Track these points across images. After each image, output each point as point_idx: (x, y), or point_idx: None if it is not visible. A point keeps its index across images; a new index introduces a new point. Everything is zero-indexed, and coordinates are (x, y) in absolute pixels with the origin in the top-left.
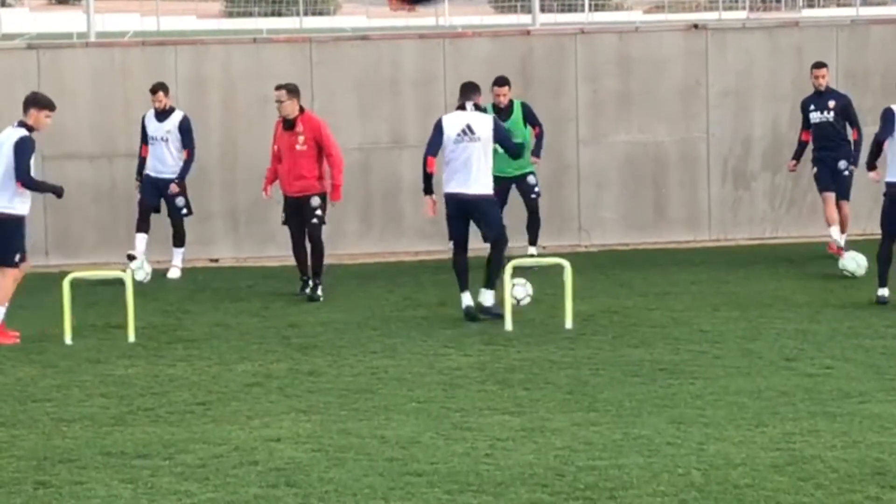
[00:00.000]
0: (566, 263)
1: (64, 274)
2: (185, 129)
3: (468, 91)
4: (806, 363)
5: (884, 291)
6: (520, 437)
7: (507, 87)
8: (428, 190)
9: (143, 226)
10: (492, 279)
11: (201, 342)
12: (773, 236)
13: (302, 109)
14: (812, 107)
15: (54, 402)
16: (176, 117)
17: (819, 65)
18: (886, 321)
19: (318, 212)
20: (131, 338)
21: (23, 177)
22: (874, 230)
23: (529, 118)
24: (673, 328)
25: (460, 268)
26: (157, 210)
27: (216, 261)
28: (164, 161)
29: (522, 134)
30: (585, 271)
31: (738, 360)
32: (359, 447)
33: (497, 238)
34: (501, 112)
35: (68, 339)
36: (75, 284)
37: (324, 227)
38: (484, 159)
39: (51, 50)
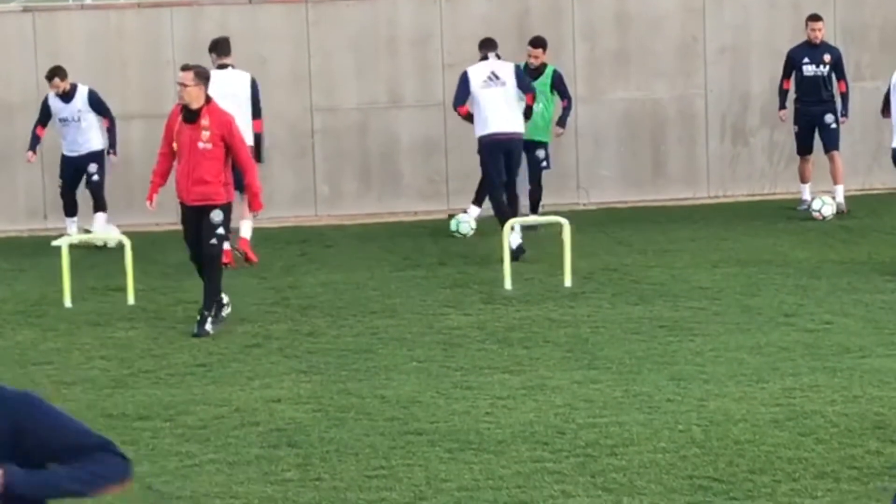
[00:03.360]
0: (565, 221)
1: (62, 237)
2: (95, 101)
3: (488, 45)
4: (805, 319)
5: None
6: (520, 395)
7: (541, 49)
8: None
9: (71, 209)
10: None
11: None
12: (771, 192)
13: (208, 99)
14: (806, 59)
15: (55, 365)
16: (82, 94)
17: (816, 17)
18: (886, 276)
19: (220, 229)
20: (131, 300)
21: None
22: (873, 185)
23: (558, 87)
24: (672, 285)
25: (501, 207)
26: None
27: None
28: (80, 140)
29: (547, 99)
30: (584, 229)
31: (738, 316)
32: (359, 407)
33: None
34: (532, 73)
35: (68, 303)
36: (74, 247)
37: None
38: (514, 101)
39: (46, 13)
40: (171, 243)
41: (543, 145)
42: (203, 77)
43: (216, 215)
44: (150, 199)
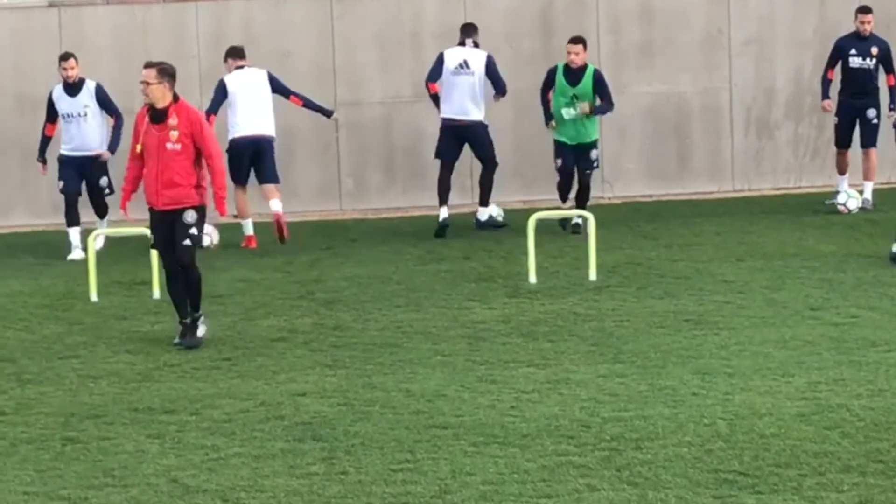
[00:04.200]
0: (589, 215)
1: (89, 231)
2: (103, 97)
3: (466, 30)
4: (831, 312)
5: None
6: (545, 389)
7: (580, 46)
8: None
9: (73, 217)
10: (484, 198)
11: (226, 298)
12: (796, 186)
13: (176, 97)
14: (854, 51)
15: (81, 359)
16: (89, 88)
17: (865, 9)
18: None
19: (193, 230)
20: (156, 294)
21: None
22: None
23: (598, 88)
24: (697, 279)
25: (444, 186)
26: (81, 194)
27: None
28: (87, 138)
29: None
30: (609, 223)
31: (763, 310)
32: (384, 401)
33: (488, 160)
34: (573, 73)
35: (94, 297)
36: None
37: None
38: (479, 90)
39: (72, 7)
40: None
41: (593, 147)
42: (167, 74)
43: (189, 216)
44: (123, 206)
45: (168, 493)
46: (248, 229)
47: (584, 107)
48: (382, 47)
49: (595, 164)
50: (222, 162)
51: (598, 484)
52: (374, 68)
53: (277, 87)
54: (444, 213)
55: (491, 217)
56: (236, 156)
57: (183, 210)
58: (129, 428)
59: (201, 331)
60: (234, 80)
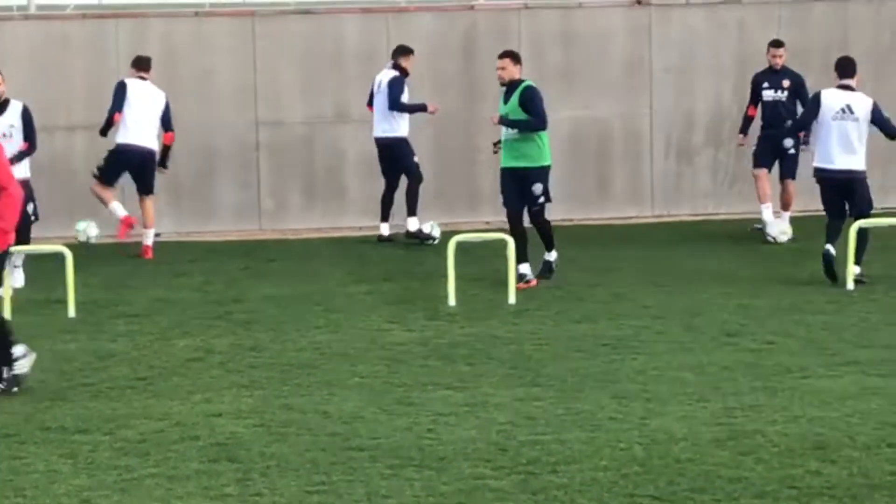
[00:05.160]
0: (509, 239)
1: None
2: (28, 119)
3: (394, 52)
4: (747, 339)
5: (830, 247)
6: (462, 412)
7: (506, 60)
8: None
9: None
10: (411, 208)
11: (142, 317)
12: (715, 212)
13: None
14: (766, 84)
15: None
16: (16, 108)
17: (777, 43)
18: (826, 297)
19: None
20: (72, 313)
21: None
22: (817, 207)
23: (525, 104)
24: (616, 303)
25: (384, 202)
26: None
27: (158, 235)
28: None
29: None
30: (529, 247)
31: (681, 335)
32: (301, 422)
33: (407, 173)
34: (506, 91)
35: (7, 314)
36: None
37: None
38: (384, 107)
39: None
40: (112, 256)
41: (537, 176)
42: None
43: None
44: None
45: None
46: (120, 211)
47: (494, 117)
48: (304, 67)
49: (541, 200)
50: (20, 193)
51: None
52: (296, 88)
53: (165, 117)
54: (384, 229)
55: (420, 230)
56: (121, 161)
57: None
58: (41, 447)
59: (22, 367)
60: (134, 87)
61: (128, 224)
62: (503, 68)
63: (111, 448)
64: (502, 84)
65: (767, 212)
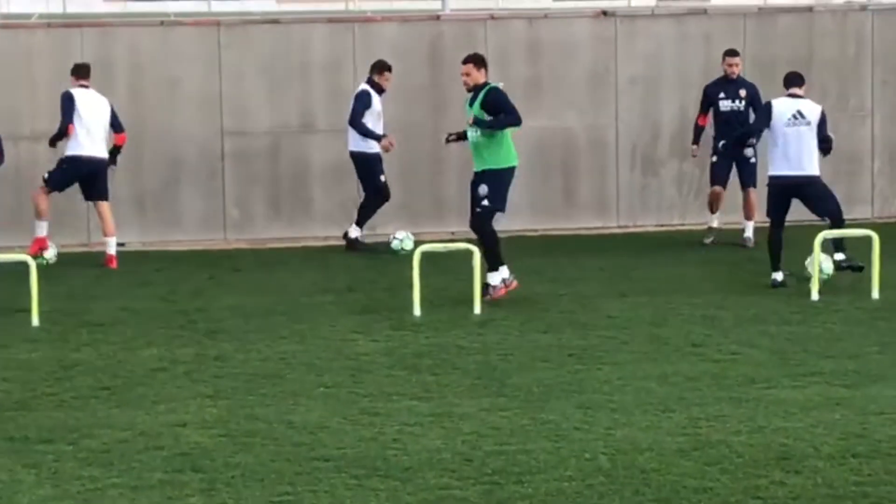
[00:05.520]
0: (475, 249)
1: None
2: None
3: (371, 67)
4: (712, 349)
5: (778, 275)
6: (428, 422)
7: (469, 66)
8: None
9: None
10: (359, 219)
11: (107, 326)
12: (680, 223)
13: None
14: (722, 94)
15: None
16: None
17: (732, 52)
18: (791, 307)
19: None
20: (35, 322)
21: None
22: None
23: (488, 107)
24: (581, 313)
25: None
26: None
27: (122, 245)
28: None
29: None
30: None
31: (646, 345)
32: (266, 432)
33: (364, 187)
34: (473, 94)
35: None
36: None
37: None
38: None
39: None
40: (76, 265)
41: (483, 179)
42: None
43: None
44: None
45: None
46: (42, 232)
47: (469, 119)
48: (270, 77)
49: (484, 203)
50: None
51: None
52: (262, 98)
53: (114, 121)
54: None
55: (357, 239)
56: (72, 172)
57: None
58: (4, 457)
59: None
60: (80, 97)
61: (40, 246)
62: (467, 74)
63: (75, 458)
64: (468, 90)
65: (715, 221)
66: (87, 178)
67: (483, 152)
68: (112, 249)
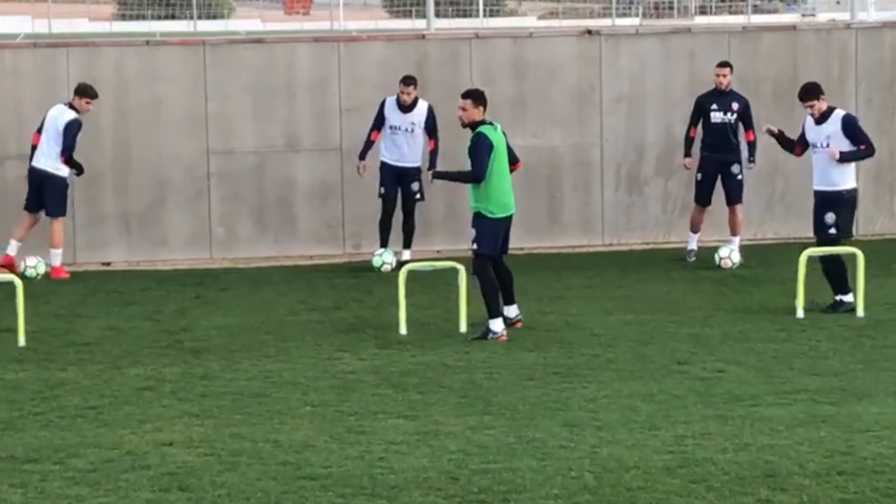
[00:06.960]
0: (461, 267)
1: None
2: None
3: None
4: (698, 367)
5: (848, 297)
6: (414, 440)
7: (467, 101)
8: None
9: None
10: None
11: (93, 346)
12: (665, 241)
13: None
14: (715, 106)
15: None
16: None
17: (724, 64)
18: (777, 325)
19: None
20: (21, 342)
21: (67, 153)
22: (765, 235)
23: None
24: (567, 332)
25: (384, 225)
26: None
27: (108, 264)
28: None
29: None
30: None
31: (631, 363)
32: (252, 451)
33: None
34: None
35: None
36: None
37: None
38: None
39: None
40: (62, 284)
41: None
42: None
43: None
44: None
45: None
46: (11, 251)
47: (429, 177)
48: (255, 96)
49: (474, 246)
50: None
51: None
52: (247, 117)
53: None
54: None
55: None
56: (31, 183)
57: None
58: None
59: None
60: (51, 111)
61: (6, 264)
62: (464, 109)
63: (62, 477)
64: (463, 125)
65: (694, 240)
66: (40, 191)
67: (474, 193)
68: (56, 261)
